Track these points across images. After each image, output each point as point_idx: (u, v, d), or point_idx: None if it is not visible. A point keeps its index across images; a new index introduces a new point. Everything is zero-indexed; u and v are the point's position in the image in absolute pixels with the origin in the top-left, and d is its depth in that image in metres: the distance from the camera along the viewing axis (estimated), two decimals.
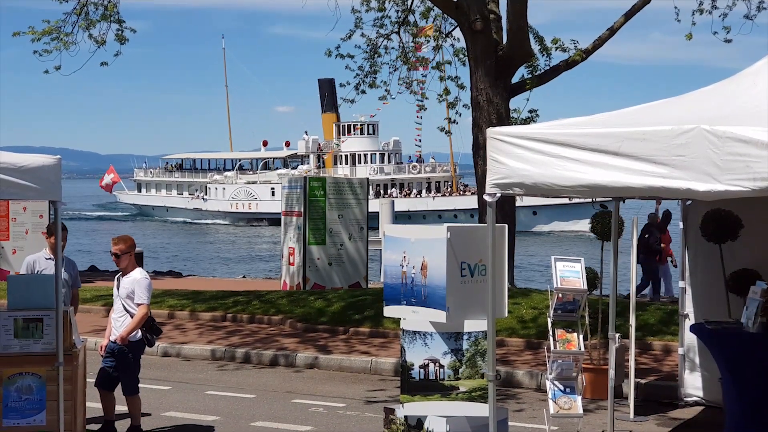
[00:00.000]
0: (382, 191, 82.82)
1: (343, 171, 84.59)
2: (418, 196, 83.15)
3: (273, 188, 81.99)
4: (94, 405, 11.01)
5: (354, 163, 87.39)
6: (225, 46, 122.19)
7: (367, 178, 25.71)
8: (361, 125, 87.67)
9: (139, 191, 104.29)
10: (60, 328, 8.56)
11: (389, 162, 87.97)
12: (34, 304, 8.88)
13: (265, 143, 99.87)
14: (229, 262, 51.67)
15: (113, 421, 10.28)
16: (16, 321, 8.80)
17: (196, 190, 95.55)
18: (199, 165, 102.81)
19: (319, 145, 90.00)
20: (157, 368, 13.82)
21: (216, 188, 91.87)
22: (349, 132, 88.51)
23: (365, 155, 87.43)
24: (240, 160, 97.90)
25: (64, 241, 10.87)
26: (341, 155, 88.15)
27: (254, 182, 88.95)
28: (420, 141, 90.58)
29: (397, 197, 79.33)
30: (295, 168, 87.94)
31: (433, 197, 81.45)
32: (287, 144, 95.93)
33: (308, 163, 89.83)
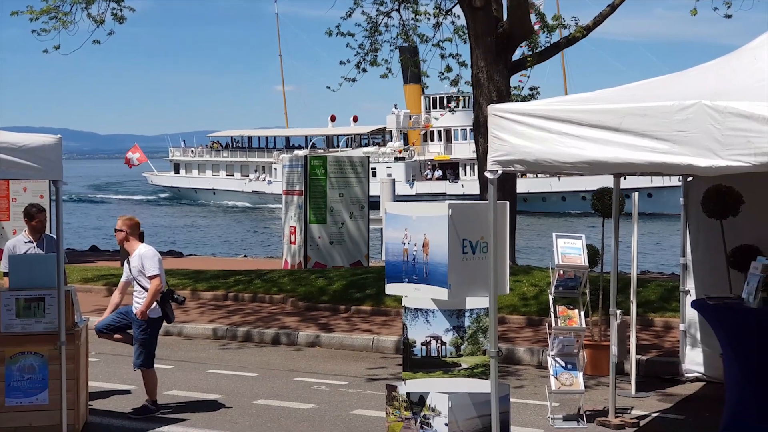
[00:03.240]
0: None
1: (437, 149, 76.03)
2: (536, 176, 68.13)
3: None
4: (96, 384, 11.07)
5: (449, 140, 76.78)
6: (278, 11, 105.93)
7: (368, 157, 25.72)
8: (456, 97, 75.63)
9: (177, 172, 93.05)
10: (62, 307, 8.57)
11: None
12: (35, 283, 8.90)
13: (333, 118, 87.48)
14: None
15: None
16: (17, 300, 8.82)
17: (255, 171, 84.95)
18: (251, 143, 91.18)
19: (410, 119, 79.22)
20: (159, 347, 13.72)
21: None
22: (440, 105, 75.25)
23: (461, 131, 75.26)
24: (313, 138, 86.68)
25: (42, 222, 10.88)
26: (431, 131, 77.62)
27: None
28: None
29: None
30: (381, 144, 78.18)
31: (558, 177, 65.12)
32: (355, 119, 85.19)
33: (393, 140, 79.15)
